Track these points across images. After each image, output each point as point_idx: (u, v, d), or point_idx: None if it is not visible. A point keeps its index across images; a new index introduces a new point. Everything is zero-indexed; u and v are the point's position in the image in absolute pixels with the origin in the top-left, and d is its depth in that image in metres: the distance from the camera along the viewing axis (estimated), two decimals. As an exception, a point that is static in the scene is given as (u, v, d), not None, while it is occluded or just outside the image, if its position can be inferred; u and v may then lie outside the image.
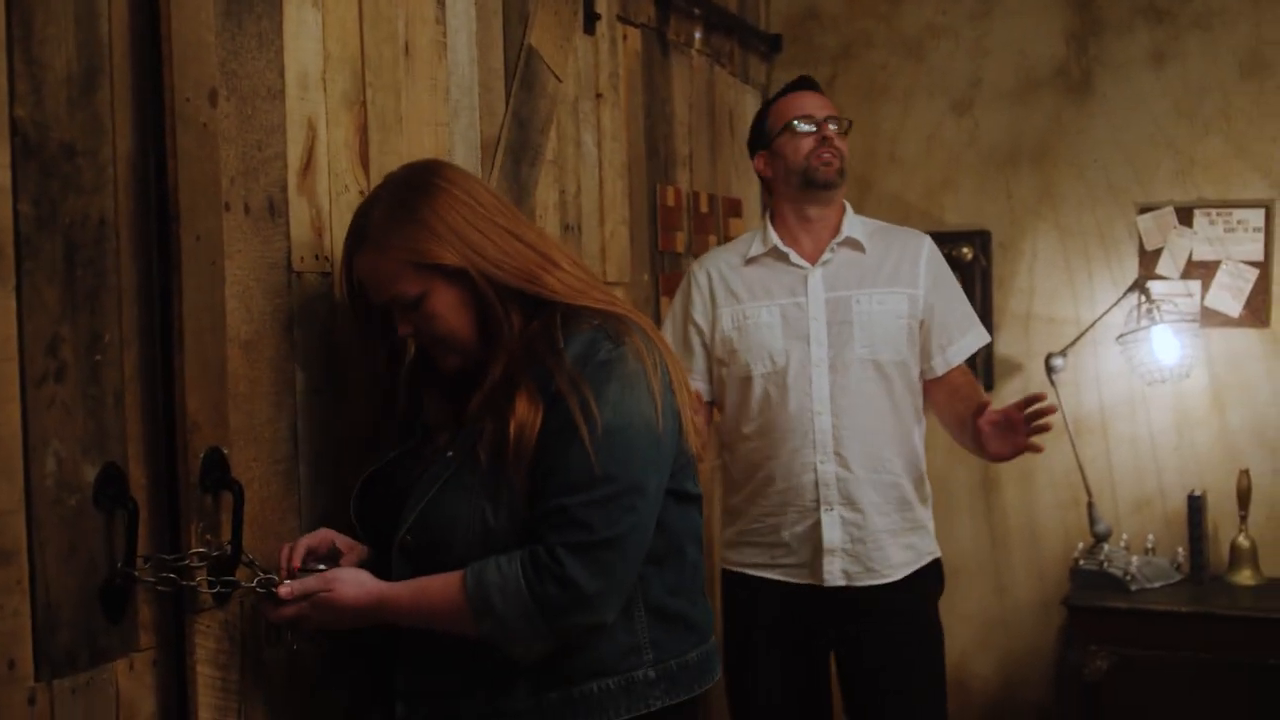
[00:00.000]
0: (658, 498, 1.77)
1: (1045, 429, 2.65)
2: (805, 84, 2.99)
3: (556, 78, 2.77)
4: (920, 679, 2.88)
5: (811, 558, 2.81)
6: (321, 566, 1.82)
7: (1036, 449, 2.67)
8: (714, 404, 2.97)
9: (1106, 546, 3.84)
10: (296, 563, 1.82)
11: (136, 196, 1.67)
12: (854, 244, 2.88)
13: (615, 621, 1.78)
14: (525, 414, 1.73)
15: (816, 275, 2.85)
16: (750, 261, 2.91)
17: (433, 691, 1.82)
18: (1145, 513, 3.98)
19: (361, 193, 2.10)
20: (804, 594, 2.84)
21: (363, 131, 2.12)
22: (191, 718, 1.73)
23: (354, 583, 1.78)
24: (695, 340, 2.94)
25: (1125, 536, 3.94)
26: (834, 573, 2.80)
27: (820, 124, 2.86)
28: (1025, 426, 2.64)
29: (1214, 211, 3.88)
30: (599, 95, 3.03)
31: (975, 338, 2.93)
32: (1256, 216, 3.83)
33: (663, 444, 1.77)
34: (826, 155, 2.84)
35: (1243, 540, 3.76)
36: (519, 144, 2.63)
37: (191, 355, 1.71)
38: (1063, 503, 4.05)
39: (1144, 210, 3.93)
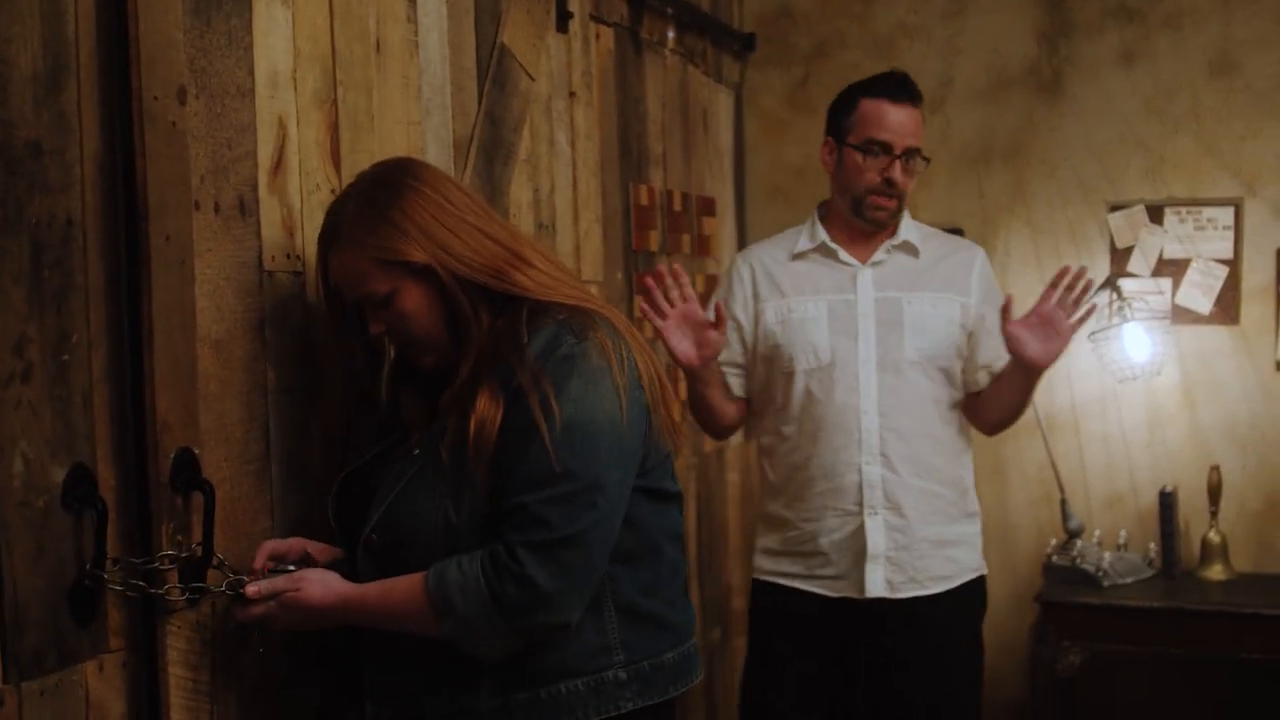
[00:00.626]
0: (621, 495, 1.76)
1: (1084, 294, 2.59)
2: (904, 91, 2.76)
3: (529, 76, 2.77)
4: (953, 706, 2.78)
5: (851, 566, 2.72)
6: (291, 567, 1.82)
7: (1080, 323, 2.62)
8: (747, 401, 2.88)
9: (1079, 543, 3.86)
10: (257, 564, 1.82)
11: (104, 196, 1.66)
12: (909, 248, 2.81)
13: (584, 621, 1.77)
14: (485, 410, 1.72)
15: (866, 274, 2.78)
16: (797, 257, 2.83)
17: (400, 691, 1.81)
18: (1117, 509, 4.01)
19: (333, 191, 2.09)
20: (840, 608, 2.74)
21: (334, 130, 2.11)
22: (162, 719, 1.72)
23: (321, 583, 1.78)
24: (733, 335, 2.84)
25: (1098, 533, 3.97)
26: (876, 581, 2.70)
27: (895, 159, 2.70)
28: (1062, 311, 2.58)
29: (1184, 210, 3.90)
30: (572, 94, 3.03)
31: None
32: (1226, 214, 3.86)
33: (626, 440, 1.76)
34: (885, 200, 2.72)
35: (1214, 536, 3.78)
36: (492, 143, 2.62)
37: (161, 355, 1.70)
38: (1035, 499, 4.07)
39: (1115, 208, 3.96)
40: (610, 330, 1.80)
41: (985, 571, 2.85)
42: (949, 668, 2.77)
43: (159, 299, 1.69)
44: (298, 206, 2.02)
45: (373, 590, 1.77)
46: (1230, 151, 3.87)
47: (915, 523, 2.72)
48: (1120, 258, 3.96)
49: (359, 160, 2.15)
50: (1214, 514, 3.78)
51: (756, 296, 2.83)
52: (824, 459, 2.73)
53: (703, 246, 3.86)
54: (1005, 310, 2.63)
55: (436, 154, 2.42)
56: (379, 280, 1.80)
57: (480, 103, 2.59)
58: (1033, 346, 2.61)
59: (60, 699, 1.58)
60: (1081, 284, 2.61)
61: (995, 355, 2.78)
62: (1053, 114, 4.03)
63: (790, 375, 2.76)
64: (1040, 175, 4.05)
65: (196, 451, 1.75)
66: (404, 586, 1.74)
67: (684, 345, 2.63)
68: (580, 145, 3.06)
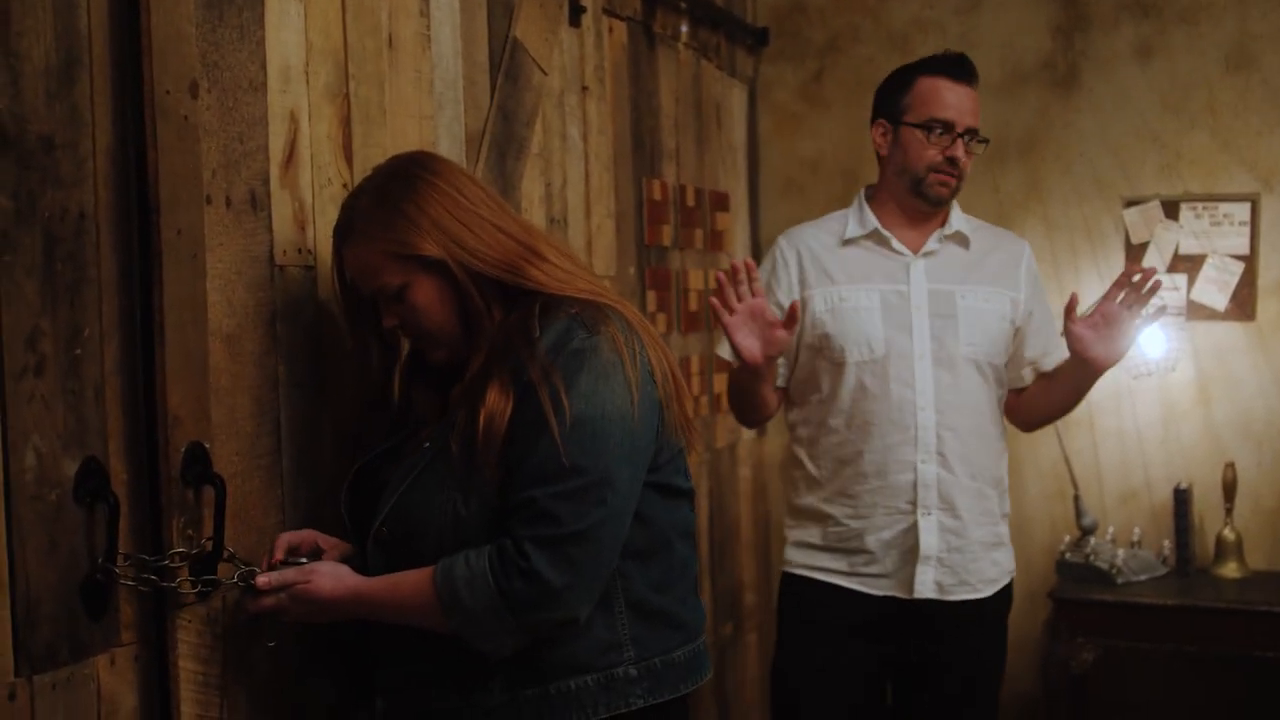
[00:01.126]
0: (631, 491, 1.75)
1: (1153, 293, 2.55)
2: (963, 70, 2.70)
3: (542, 70, 2.76)
4: (984, 706, 2.77)
5: (898, 566, 2.65)
6: (302, 560, 1.83)
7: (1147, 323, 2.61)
8: (786, 391, 2.81)
9: (1093, 539, 3.85)
10: (278, 556, 1.82)
11: (117, 189, 1.66)
12: (960, 238, 2.75)
13: (594, 617, 1.76)
14: (495, 403, 1.72)
15: (919, 265, 2.70)
16: (848, 243, 2.75)
17: (411, 686, 1.81)
18: (1131, 506, 3.99)
19: (345, 185, 2.09)
20: (882, 606, 2.67)
21: (346, 124, 2.11)
22: (174, 713, 1.72)
23: (332, 576, 1.78)
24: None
25: (1111, 529, 3.95)
26: (926, 583, 2.64)
27: (957, 138, 2.64)
28: (1127, 310, 2.54)
29: (1200, 205, 3.88)
30: (585, 88, 3.02)
31: (1062, 350, 2.76)
32: (1242, 210, 3.84)
33: (638, 436, 1.75)
34: (947, 177, 2.66)
35: (1228, 533, 3.77)
36: (504, 137, 2.62)
37: (173, 349, 1.70)
38: (1049, 495, 4.06)
39: (1130, 204, 3.94)
40: (623, 324, 1.79)
41: (1015, 573, 2.83)
42: (985, 669, 2.76)
43: (170, 293, 1.70)
44: (309, 201, 2.02)
45: (382, 584, 1.77)
46: (1247, 147, 3.84)
47: (969, 524, 2.66)
48: (1135, 254, 3.94)
49: (371, 154, 2.15)
50: (1229, 511, 3.76)
51: (804, 282, 2.73)
52: (876, 455, 2.65)
53: (716, 242, 3.85)
54: (1070, 309, 2.59)
55: (449, 148, 2.42)
56: (392, 273, 1.80)
57: (492, 97, 2.59)
58: (1097, 346, 2.58)
59: (72, 692, 1.58)
60: (1151, 284, 2.55)
61: (1041, 352, 2.76)
62: (1068, 109, 4.01)
63: (840, 366, 2.68)
64: (1056, 171, 4.04)
65: (207, 446, 1.75)
66: (412, 581, 1.74)
67: (749, 342, 2.55)
68: (593, 140, 3.06)
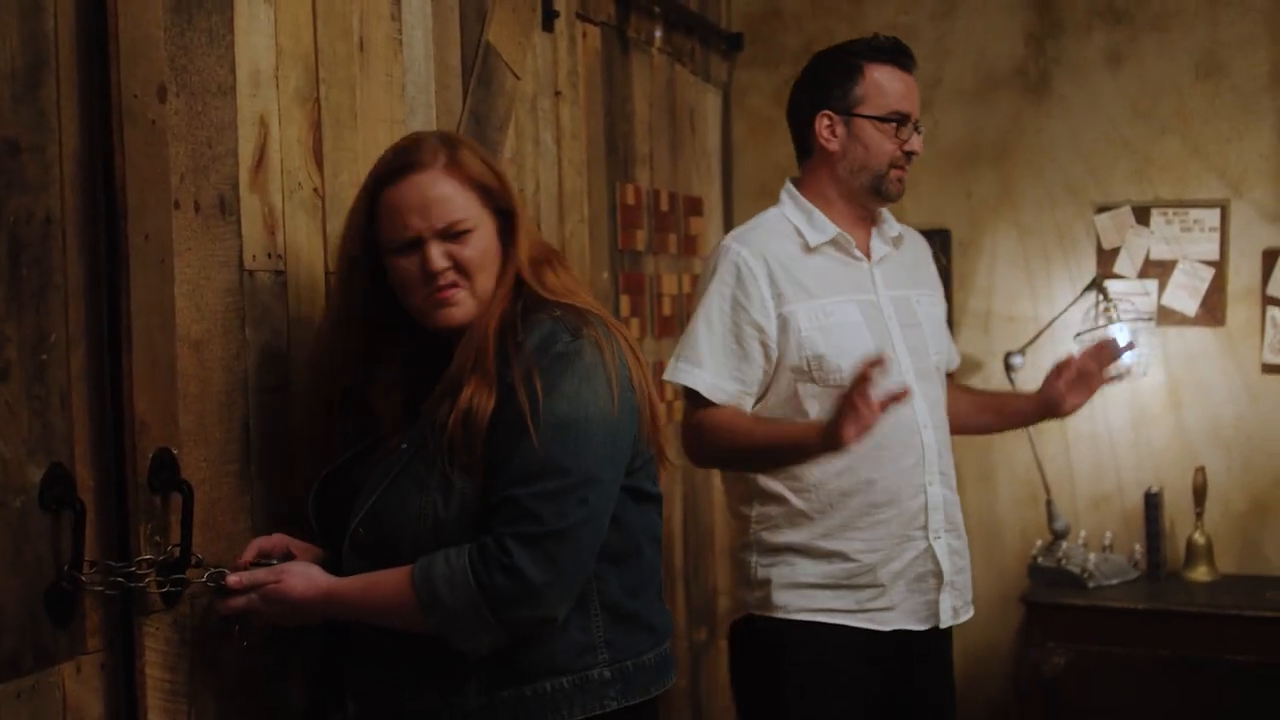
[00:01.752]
0: (612, 492, 1.76)
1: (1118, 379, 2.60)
2: (909, 58, 2.56)
3: (515, 75, 2.76)
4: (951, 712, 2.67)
5: (906, 597, 2.47)
6: (273, 561, 1.82)
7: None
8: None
9: (1064, 544, 3.86)
10: (247, 558, 1.81)
11: (84, 194, 1.65)
12: (898, 240, 2.62)
13: (570, 619, 1.77)
14: (475, 403, 1.73)
15: (878, 271, 2.54)
16: (812, 251, 2.51)
17: (383, 689, 1.81)
18: (1103, 510, 4.01)
19: (315, 190, 2.08)
20: (889, 642, 2.48)
21: (316, 128, 2.10)
22: (140, 721, 1.71)
23: (303, 576, 1.78)
24: (753, 344, 2.45)
25: (1083, 533, 3.97)
26: (948, 609, 2.49)
27: (914, 130, 2.51)
28: (1099, 374, 2.56)
29: (1170, 211, 3.91)
30: (558, 93, 3.02)
31: (955, 352, 2.78)
32: (1212, 216, 3.87)
33: (619, 438, 1.76)
34: (902, 173, 2.51)
35: (1199, 537, 3.79)
36: (477, 141, 2.61)
37: (140, 355, 1.69)
38: (1021, 500, 4.08)
39: (1101, 210, 3.96)
40: (604, 329, 1.80)
41: None
42: (949, 689, 2.66)
43: (138, 298, 1.68)
44: (279, 205, 2.01)
45: (356, 583, 1.77)
46: (1217, 153, 3.87)
47: (965, 543, 2.58)
48: (1107, 259, 3.96)
49: (342, 159, 2.14)
50: (1199, 515, 3.78)
51: (779, 297, 2.45)
52: (890, 482, 2.44)
53: (689, 246, 3.85)
54: (1061, 368, 2.58)
55: (421, 153, 2.41)
56: (469, 210, 1.81)
57: (465, 101, 2.58)
58: (1068, 401, 2.58)
59: (37, 700, 1.57)
60: (1124, 347, 2.63)
61: (946, 350, 2.68)
62: (1040, 115, 4.03)
63: (835, 390, 2.36)
64: (1028, 176, 4.05)
65: (175, 452, 1.74)
66: (389, 580, 1.74)
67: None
68: (566, 144, 3.06)
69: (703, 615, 3.90)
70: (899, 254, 2.61)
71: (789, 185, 2.62)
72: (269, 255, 1.98)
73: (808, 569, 2.47)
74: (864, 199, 2.54)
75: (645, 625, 1.86)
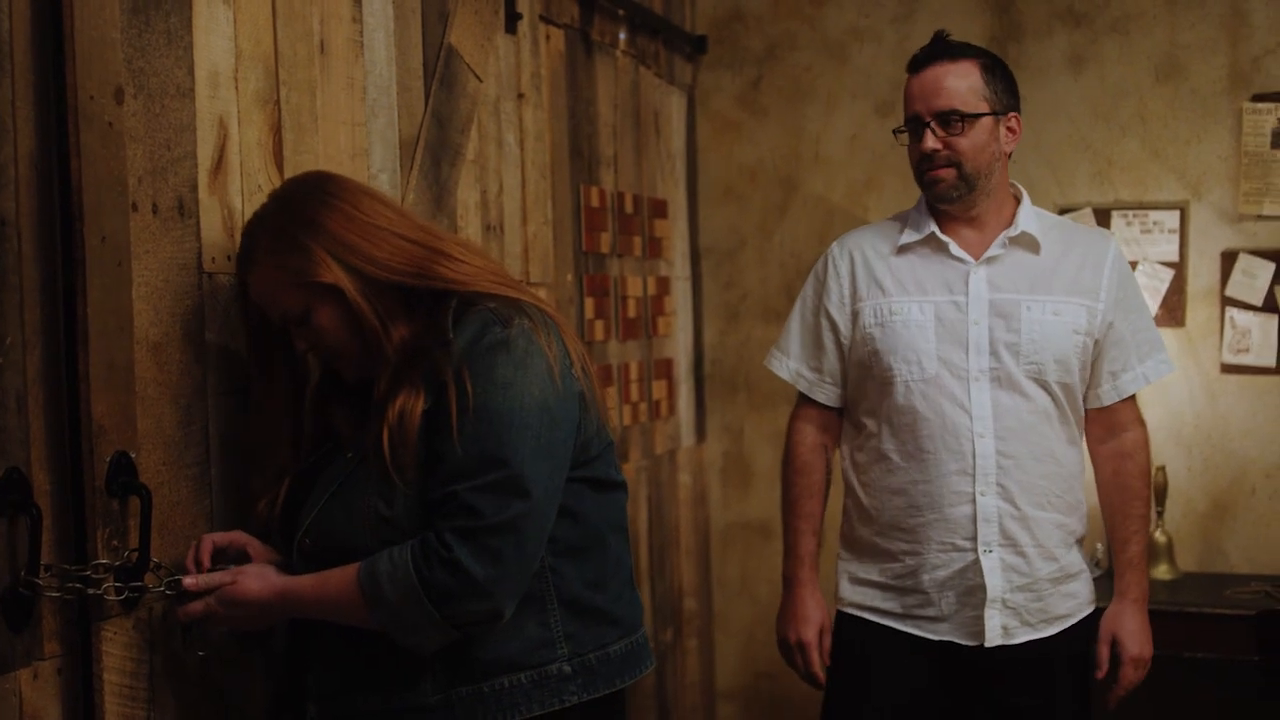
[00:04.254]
0: (554, 483, 1.75)
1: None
2: (921, 57, 2.51)
3: (477, 77, 2.76)
4: None
5: (956, 609, 2.45)
6: (228, 566, 1.81)
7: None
8: (839, 412, 2.62)
9: (1028, 543, 3.88)
10: (206, 561, 1.81)
11: (39, 196, 1.64)
12: (1028, 241, 2.50)
13: (527, 615, 1.77)
14: (405, 403, 1.73)
15: (980, 273, 2.48)
16: (902, 250, 2.53)
17: (342, 690, 1.81)
18: (1065, 509, 4.03)
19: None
20: (940, 653, 2.47)
21: (277, 131, 2.09)
22: (98, 727, 1.70)
23: (258, 576, 1.79)
24: (828, 336, 2.57)
25: (1046, 533, 3.99)
26: (995, 628, 2.43)
27: (924, 128, 2.45)
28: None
29: (1131, 213, 3.94)
30: (521, 95, 3.02)
31: (1156, 366, 2.56)
32: (1172, 218, 3.90)
33: (559, 427, 1.75)
34: (935, 171, 2.46)
35: (1159, 536, 3.82)
36: (438, 144, 2.61)
37: (97, 357, 1.68)
38: (985, 500, 4.09)
39: (1063, 211, 3.98)
40: (540, 317, 1.80)
41: (1097, 605, 2.60)
42: (1061, 716, 2.54)
43: (95, 301, 1.67)
44: (239, 208, 2.01)
45: (309, 582, 1.77)
46: (1176, 155, 3.91)
47: (1035, 560, 2.46)
48: (1068, 260, 3.99)
49: (302, 161, 2.13)
50: (1160, 514, 3.81)
51: (855, 294, 2.54)
52: (931, 486, 2.44)
53: (654, 249, 3.86)
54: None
55: (382, 155, 2.41)
56: (293, 300, 1.81)
57: (427, 103, 2.58)
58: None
59: (-8, 707, 1.56)
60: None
61: (1122, 366, 2.53)
62: (1002, 117, 4.05)
63: (888, 386, 2.47)
64: (990, 178, 4.07)
65: (133, 455, 1.73)
66: (338, 577, 1.74)
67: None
68: (530, 146, 3.06)
69: (669, 616, 3.90)
70: (1031, 256, 2.51)
71: None
72: (229, 257, 1.97)
73: (869, 565, 2.56)
74: (932, 202, 2.54)
75: (609, 617, 1.86)
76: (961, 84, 2.46)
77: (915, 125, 2.49)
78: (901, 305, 2.50)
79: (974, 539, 2.44)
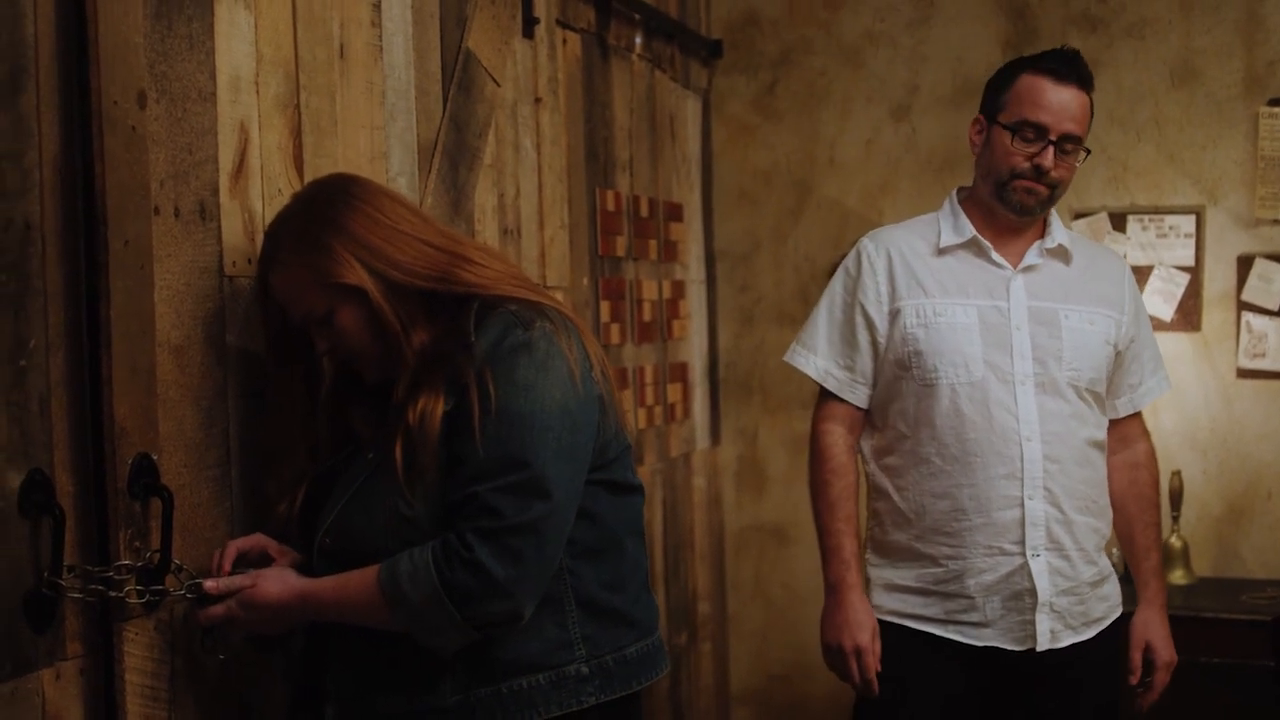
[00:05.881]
0: (574, 485, 1.76)
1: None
2: (1070, 69, 2.46)
3: (495, 81, 2.77)
4: None
5: (1002, 614, 2.44)
6: (249, 570, 1.82)
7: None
8: (866, 413, 2.58)
9: (1042, 548, 3.88)
10: (227, 566, 1.82)
11: (64, 200, 1.65)
12: (1062, 253, 2.53)
13: (545, 616, 1.77)
14: (426, 405, 1.74)
15: (1019, 280, 2.49)
16: (943, 252, 2.51)
17: (361, 692, 1.81)
18: (1080, 514, 4.03)
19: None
20: (983, 659, 2.46)
21: (296, 135, 2.11)
22: (120, 727, 1.71)
23: (278, 579, 1.80)
24: (863, 334, 2.52)
25: (1061, 538, 3.99)
26: (1045, 632, 2.42)
27: (1049, 145, 2.41)
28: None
29: (1146, 217, 3.94)
30: (538, 99, 3.03)
31: (1160, 382, 2.64)
32: (1187, 222, 3.90)
33: (579, 429, 1.76)
34: (1033, 185, 2.43)
35: (1175, 541, 3.81)
36: (456, 148, 2.62)
37: (120, 360, 1.69)
38: (1000, 505, 4.09)
39: (1078, 216, 3.98)
40: (561, 320, 1.81)
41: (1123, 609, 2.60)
42: (1098, 714, 2.55)
43: (118, 304, 1.69)
44: (260, 211, 2.02)
45: (329, 584, 1.78)
46: (1191, 160, 3.90)
47: (1078, 564, 2.46)
48: (1083, 265, 3.98)
49: (322, 165, 2.14)
50: (1175, 519, 3.81)
51: (894, 292, 2.50)
52: (979, 490, 2.42)
53: (670, 252, 3.87)
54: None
55: (400, 159, 2.42)
56: (316, 301, 1.81)
57: (445, 108, 2.59)
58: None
59: (16, 707, 1.57)
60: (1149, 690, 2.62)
61: (1139, 380, 2.60)
62: (1017, 122, 4.05)
63: (931, 388, 2.45)
64: (1005, 182, 4.08)
65: (155, 457, 1.74)
66: (358, 578, 1.75)
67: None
68: (546, 150, 3.07)
69: (683, 620, 3.91)
70: (1063, 267, 2.54)
71: (956, 189, 2.63)
72: (249, 261, 1.99)
73: (904, 570, 2.52)
74: (994, 206, 2.51)
75: (626, 619, 1.86)
76: (1085, 113, 2.48)
77: (1036, 135, 2.44)
78: (946, 307, 2.47)
79: (1021, 543, 2.43)
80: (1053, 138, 2.43)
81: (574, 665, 1.80)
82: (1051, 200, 2.49)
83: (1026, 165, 2.43)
